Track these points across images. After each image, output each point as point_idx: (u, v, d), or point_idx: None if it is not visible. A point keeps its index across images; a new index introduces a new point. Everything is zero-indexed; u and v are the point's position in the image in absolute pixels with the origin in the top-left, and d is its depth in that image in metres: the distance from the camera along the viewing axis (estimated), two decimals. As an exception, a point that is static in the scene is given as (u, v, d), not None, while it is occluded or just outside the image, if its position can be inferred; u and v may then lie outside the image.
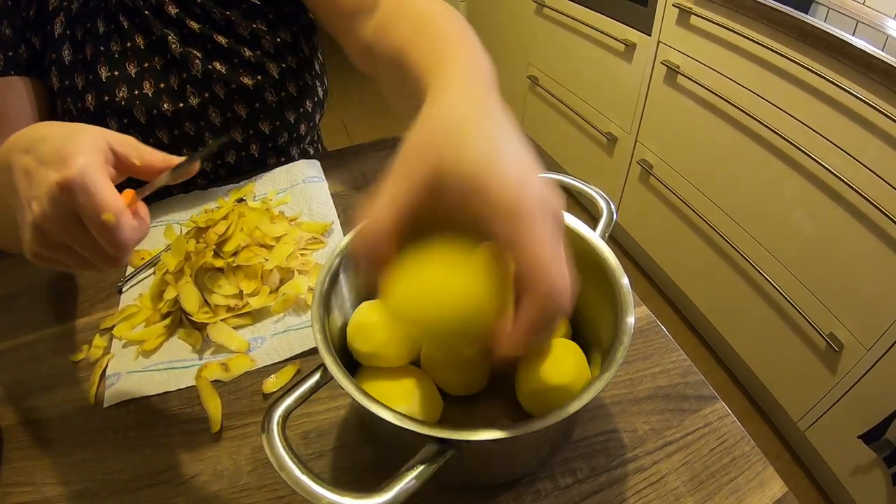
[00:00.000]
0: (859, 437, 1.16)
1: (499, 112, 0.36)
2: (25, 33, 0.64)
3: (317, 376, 0.36)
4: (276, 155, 0.82)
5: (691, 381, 0.50)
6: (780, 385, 1.46)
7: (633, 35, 1.68)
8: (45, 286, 0.63)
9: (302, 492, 0.30)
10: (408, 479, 0.31)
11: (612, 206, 0.48)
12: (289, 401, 0.35)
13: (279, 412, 0.34)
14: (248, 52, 0.71)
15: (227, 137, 0.74)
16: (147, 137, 0.70)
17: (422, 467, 0.32)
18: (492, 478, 0.43)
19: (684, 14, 1.48)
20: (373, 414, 0.33)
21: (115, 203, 0.36)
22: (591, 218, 0.48)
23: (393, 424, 0.32)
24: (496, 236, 0.30)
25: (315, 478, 0.30)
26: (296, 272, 0.59)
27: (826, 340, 1.24)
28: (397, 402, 0.38)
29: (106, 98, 0.67)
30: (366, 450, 0.46)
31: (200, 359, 0.53)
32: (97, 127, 0.41)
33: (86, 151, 0.37)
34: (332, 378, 0.36)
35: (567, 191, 0.54)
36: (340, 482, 0.44)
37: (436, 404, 0.42)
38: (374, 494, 0.30)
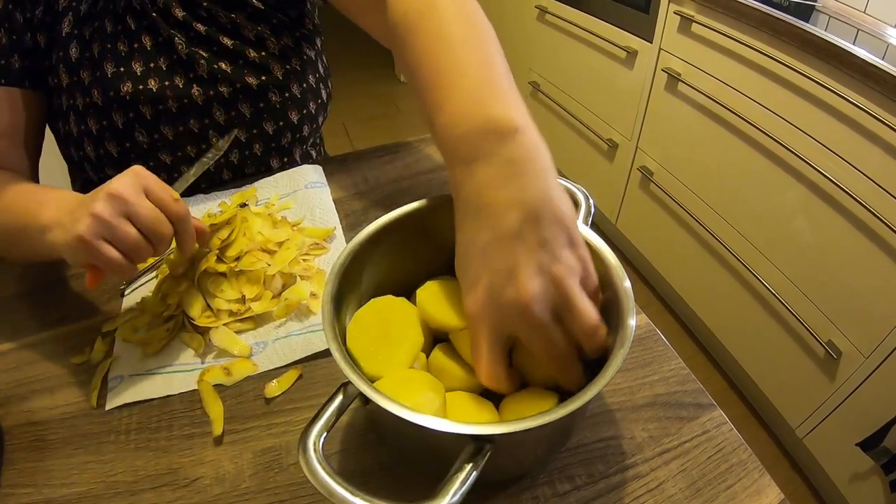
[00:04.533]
0: (857, 444, 1.16)
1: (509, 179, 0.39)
2: (28, 34, 0.66)
3: (340, 398, 0.36)
4: (279, 156, 0.82)
5: (689, 389, 0.51)
6: (778, 392, 1.46)
7: (634, 42, 1.69)
8: (47, 288, 0.64)
9: None
10: (461, 480, 0.31)
11: (591, 200, 0.51)
12: (319, 424, 0.34)
13: (312, 438, 0.33)
14: (252, 53, 0.73)
15: (234, 133, 0.74)
16: (152, 133, 0.71)
17: (469, 467, 0.32)
18: (490, 474, 0.43)
19: (686, 22, 1.48)
20: (405, 420, 0.33)
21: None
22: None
23: (429, 429, 0.32)
24: None
25: (369, 498, 0.30)
26: (298, 277, 0.59)
27: (825, 348, 1.24)
28: (410, 400, 0.39)
29: (111, 93, 0.68)
30: (371, 453, 0.46)
31: (203, 363, 0.53)
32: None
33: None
34: (355, 397, 0.36)
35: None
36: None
37: (443, 396, 0.43)
38: (433, 500, 0.31)
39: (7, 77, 0.65)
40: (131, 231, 0.48)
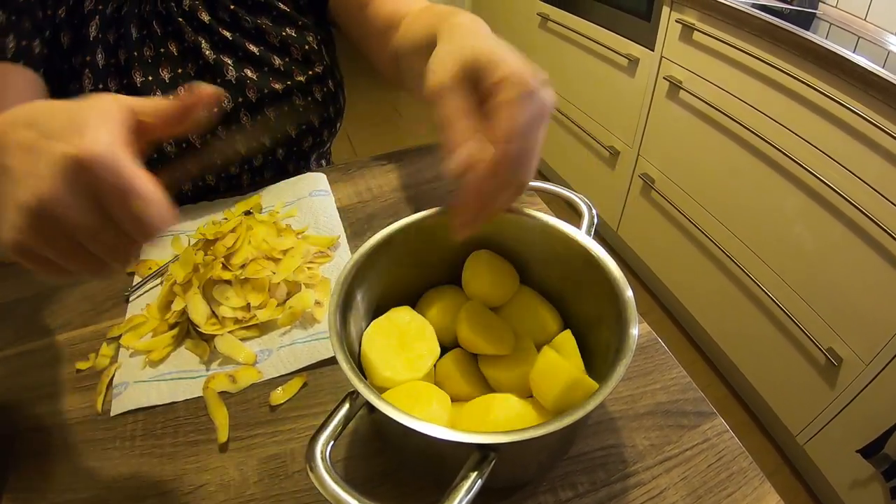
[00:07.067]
0: (858, 451, 1.16)
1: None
2: (47, 32, 0.62)
3: (346, 406, 0.36)
4: (296, 160, 0.83)
5: (691, 398, 0.51)
6: (779, 399, 1.46)
7: (636, 50, 1.70)
8: (51, 293, 0.64)
9: None
10: (466, 489, 0.32)
11: (594, 210, 0.52)
12: (326, 433, 0.34)
13: (320, 446, 0.33)
14: (277, 61, 0.74)
15: (261, 143, 0.75)
16: (179, 141, 0.72)
17: (474, 475, 0.32)
18: (494, 481, 0.44)
19: (687, 30, 1.49)
20: (412, 430, 0.33)
21: (148, 183, 0.31)
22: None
23: (435, 438, 0.33)
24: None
25: None
26: (303, 285, 0.59)
27: (825, 355, 1.24)
28: (417, 410, 0.39)
29: None
30: (376, 461, 0.46)
31: (208, 370, 0.54)
32: (111, 95, 0.35)
33: (107, 122, 0.31)
34: (362, 406, 0.36)
35: (555, 198, 0.56)
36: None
37: (449, 409, 0.43)
38: None
39: (28, 59, 0.60)
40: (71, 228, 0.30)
